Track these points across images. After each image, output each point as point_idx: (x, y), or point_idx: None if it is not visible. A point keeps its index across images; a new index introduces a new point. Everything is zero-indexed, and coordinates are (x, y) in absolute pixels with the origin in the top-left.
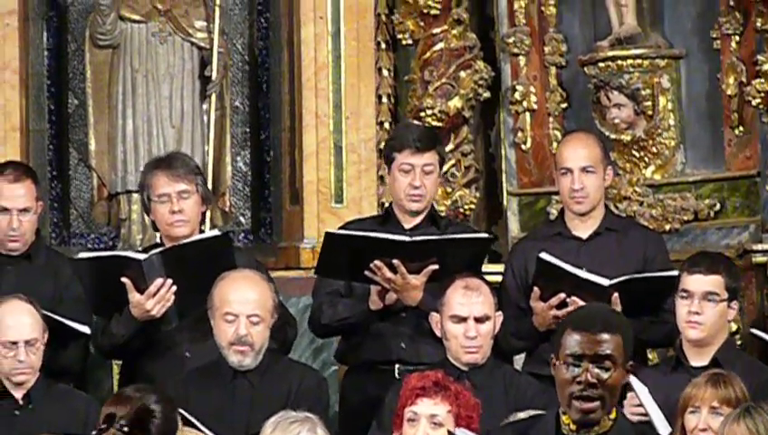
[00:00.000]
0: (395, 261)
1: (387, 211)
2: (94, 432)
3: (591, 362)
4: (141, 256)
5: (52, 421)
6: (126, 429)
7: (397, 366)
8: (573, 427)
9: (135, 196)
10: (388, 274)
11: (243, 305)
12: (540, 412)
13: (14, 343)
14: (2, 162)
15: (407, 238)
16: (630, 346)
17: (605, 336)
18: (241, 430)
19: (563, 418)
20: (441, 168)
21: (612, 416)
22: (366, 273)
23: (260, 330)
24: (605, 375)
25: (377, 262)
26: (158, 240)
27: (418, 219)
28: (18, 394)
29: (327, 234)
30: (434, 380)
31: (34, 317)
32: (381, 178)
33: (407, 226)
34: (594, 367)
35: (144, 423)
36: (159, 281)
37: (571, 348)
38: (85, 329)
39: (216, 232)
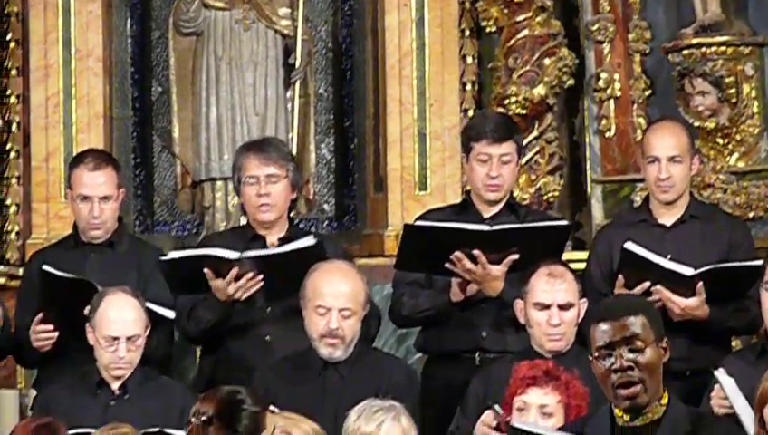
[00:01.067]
0: (475, 251)
1: (465, 200)
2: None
3: (622, 346)
4: (233, 256)
5: (148, 412)
6: (214, 422)
7: (477, 354)
8: (626, 417)
9: (219, 183)
10: (469, 264)
11: (335, 299)
12: None
13: (116, 338)
14: (83, 150)
15: (486, 228)
16: (658, 325)
17: (629, 319)
18: (330, 421)
19: (616, 411)
20: (519, 156)
21: (664, 401)
22: (446, 265)
23: (351, 323)
24: (638, 356)
25: (457, 253)
26: (242, 222)
27: (497, 208)
28: (114, 385)
29: (406, 226)
30: (544, 369)
31: (138, 313)
32: None
33: (485, 215)
34: (626, 351)
35: (232, 418)
36: (249, 275)
37: (600, 340)
38: (170, 314)
39: (311, 241)
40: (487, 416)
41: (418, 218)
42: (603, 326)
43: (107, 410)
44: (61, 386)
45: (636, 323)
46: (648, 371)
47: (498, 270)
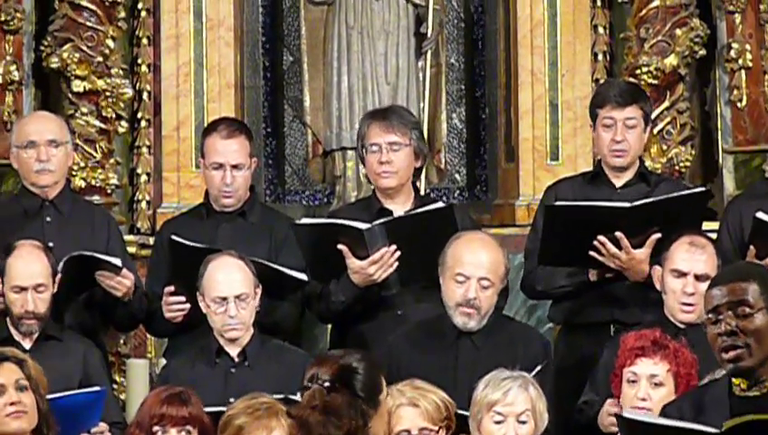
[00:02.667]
0: (618, 234)
1: (596, 169)
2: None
3: (728, 310)
4: (363, 226)
5: (269, 378)
6: (328, 385)
7: (612, 326)
8: (743, 385)
9: (350, 153)
10: (614, 249)
11: (476, 268)
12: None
13: (225, 298)
14: (216, 118)
15: (627, 204)
16: None
17: (740, 284)
18: (463, 391)
19: (733, 380)
20: (646, 124)
21: None
22: (591, 253)
23: (489, 294)
24: (745, 322)
25: (600, 237)
26: (372, 194)
27: (628, 176)
28: (234, 352)
29: (548, 207)
30: (652, 339)
31: (245, 272)
32: None
33: (617, 183)
34: (732, 316)
35: (347, 381)
36: (384, 249)
37: (709, 304)
38: (302, 276)
39: (440, 204)
40: (612, 403)
41: (550, 188)
42: (714, 291)
43: (227, 379)
44: (182, 358)
45: (746, 289)
46: (756, 337)
47: (642, 253)
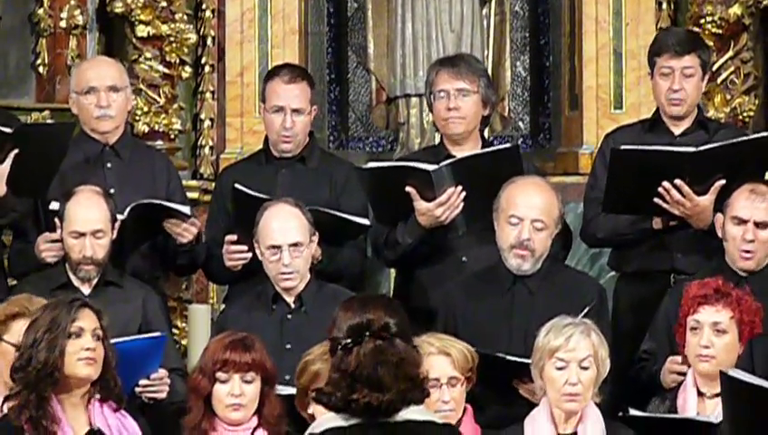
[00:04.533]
0: (678, 181)
1: (654, 116)
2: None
3: None
4: (430, 167)
5: (325, 324)
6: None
7: (672, 275)
8: None
9: (414, 100)
10: (678, 196)
11: (529, 210)
12: None
13: (279, 247)
14: (279, 64)
15: (691, 149)
16: None
17: None
18: (519, 336)
19: None
20: (704, 72)
21: None
22: (656, 200)
23: (543, 237)
24: None
25: (665, 184)
26: (436, 141)
27: (686, 124)
28: (290, 298)
29: (612, 151)
30: (714, 287)
31: (300, 220)
32: None
33: (675, 131)
34: None
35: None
36: (451, 190)
37: None
38: (365, 221)
39: (506, 145)
40: (673, 360)
41: (608, 135)
42: None
43: (284, 324)
44: (238, 305)
45: None
46: None
47: (707, 200)
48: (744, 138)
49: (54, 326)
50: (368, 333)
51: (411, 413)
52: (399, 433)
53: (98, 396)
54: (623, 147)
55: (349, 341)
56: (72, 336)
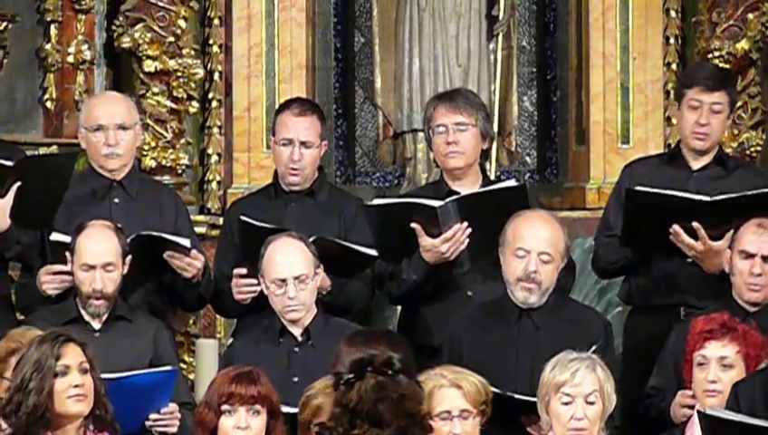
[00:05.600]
0: (695, 224)
1: (674, 150)
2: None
3: None
4: (436, 203)
5: (332, 357)
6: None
7: (682, 308)
8: None
9: (420, 135)
10: (688, 240)
11: (535, 242)
12: None
13: (284, 280)
14: (290, 98)
15: (707, 199)
16: None
17: None
18: (524, 370)
19: None
20: (731, 110)
21: None
22: (671, 238)
23: (549, 269)
24: None
25: (675, 227)
26: (440, 177)
27: (706, 160)
28: (297, 331)
29: (627, 191)
30: (720, 322)
31: (304, 253)
32: (668, 120)
33: (694, 166)
34: None
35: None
36: (456, 226)
37: None
38: (373, 252)
39: (512, 182)
40: (684, 394)
41: (627, 167)
42: None
43: (291, 357)
44: (246, 338)
45: None
46: None
47: (720, 246)
48: (763, 190)
49: (39, 367)
50: (370, 369)
51: None
52: None
53: (92, 428)
54: (638, 188)
55: (351, 376)
56: (58, 375)
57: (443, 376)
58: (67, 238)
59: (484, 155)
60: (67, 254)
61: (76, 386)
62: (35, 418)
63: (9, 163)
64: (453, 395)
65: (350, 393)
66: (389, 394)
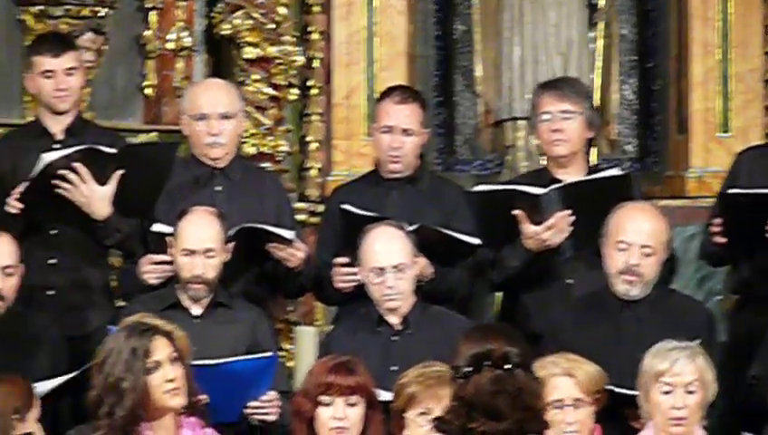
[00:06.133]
0: None
1: None
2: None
3: None
4: (539, 191)
5: (431, 346)
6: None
7: None
8: None
9: (520, 123)
10: None
11: (638, 235)
12: None
13: (382, 268)
14: (392, 85)
15: None
16: None
17: None
18: (626, 363)
19: None
20: None
21: None
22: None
23: (651, 262)
24: None
25: None
26: (543, 163)
27: None
28: (395, 320)
29: (720, 195)
30: None
31: (402, 242)
32: (767, 109)
33: None
34: None
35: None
36: (559, 214)
37: None
38: (475, 241)
39: (617, 171)
40: None
41: (740, 154)
42: None
43: (389, 346)
44: (344, 326)
45: None
46: None
47: None
48: None
49: (129, 366)
50: (487, 363)
51: None
52: None
53: (183, 415)
54: (731, 191)
55: (468, 369)
56: (150, 371)
57: (556, 364)
58: (168, 229)
59: (590, 144)
60: (169, 239)
61: (170, 380)
62: (133, 417)
63: (112, 151)
64: (566, 384)
65: (468, 387)
66: (507, 387)
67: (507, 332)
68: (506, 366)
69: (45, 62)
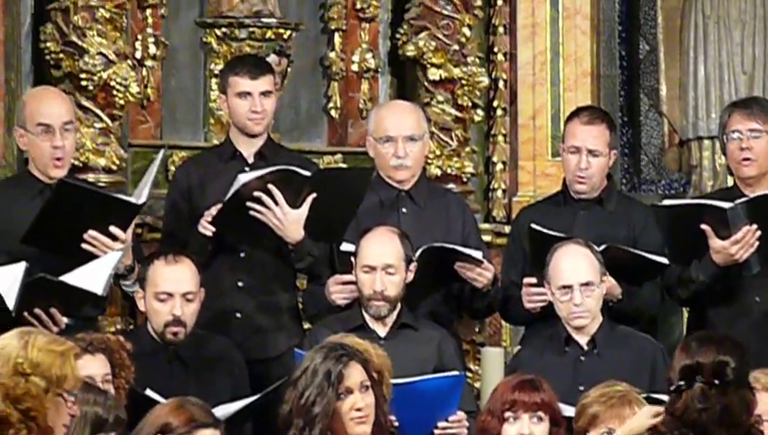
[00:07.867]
0: None
1: None
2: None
3: None
4: (726, 205)
5: (618, 366)
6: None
7: None
8: None
9: (706, 142)
10: None
11: None
12: None
13: (570, 286)
14: (582, 106)
15: None
16: None
17: None
18: None
19: None
20: None
21: None
22: None
23: None
24: None
25: None
26: (729, 184)
27: None
28: (583, 340)
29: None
30: None
31: (590, 260)
32: None
33: None
34: None
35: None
36: (746, 228)
37: None
38: (663, 260)
39: None
40: None
41: None
42: None
43: (576, 366)
44: (531, 346)
45: None
46: None
47: None
48: None
49: (323, 392)
50: (698, 377)
51: None
52: None
53: None
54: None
55: (681, 383)
56: (341, 397)
57: (756, 380)
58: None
59: None
60: (352, 259)
61: (358, 409)
62: None
63: (307, 173)
64: (765, 399)
65: (678, 402)
66: (713, 405)
67: (721, 342)
68: (716, 381)
69: (242, 83)
